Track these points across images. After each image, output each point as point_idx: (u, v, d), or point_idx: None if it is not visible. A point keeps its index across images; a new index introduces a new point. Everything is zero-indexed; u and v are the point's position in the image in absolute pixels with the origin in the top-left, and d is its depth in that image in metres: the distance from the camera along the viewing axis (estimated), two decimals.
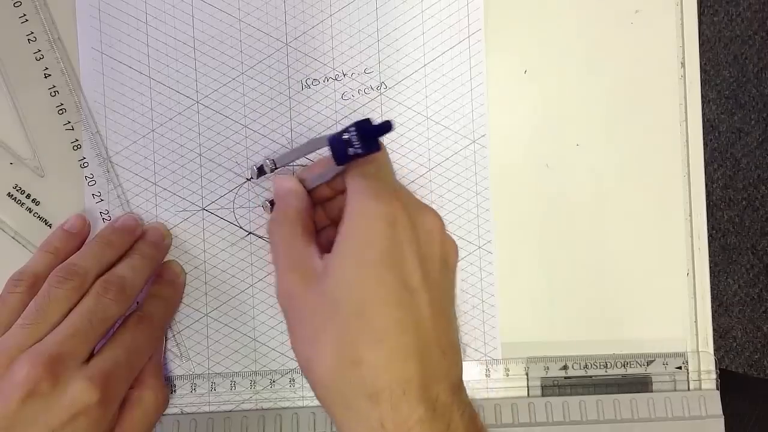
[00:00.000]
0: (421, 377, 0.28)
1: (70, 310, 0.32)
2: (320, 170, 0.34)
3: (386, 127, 0.29)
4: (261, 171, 0.37)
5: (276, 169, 0.37)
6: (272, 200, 0.36)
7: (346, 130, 0.30)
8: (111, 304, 0.33)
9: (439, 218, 0.31)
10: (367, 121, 0.30)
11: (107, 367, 0.31)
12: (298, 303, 0.30)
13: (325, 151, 0.32)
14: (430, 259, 0.30)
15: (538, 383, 0.38)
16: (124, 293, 0.33)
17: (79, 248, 0.36)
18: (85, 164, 0.38)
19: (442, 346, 0.29)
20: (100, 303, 0.32)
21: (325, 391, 0.29)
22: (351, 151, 0.30)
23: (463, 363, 0.38)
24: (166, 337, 0.38)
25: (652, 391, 0.38)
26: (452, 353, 0.30)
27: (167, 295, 0.37)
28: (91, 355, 0.32)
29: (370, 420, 0.28)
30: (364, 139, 0.30)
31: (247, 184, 0.38)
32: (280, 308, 0.31)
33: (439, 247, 0.31)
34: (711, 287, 0.39)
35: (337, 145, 0.30)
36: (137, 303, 0.36)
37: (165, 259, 0.38)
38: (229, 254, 0.38)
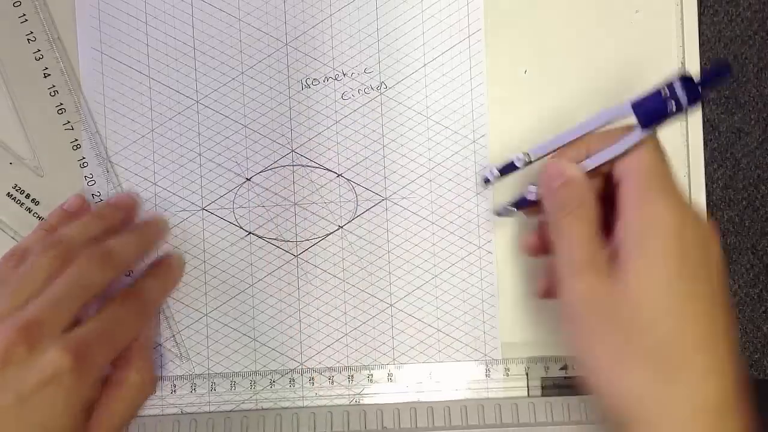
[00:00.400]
0: (734, 390, 0.27)
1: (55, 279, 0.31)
2: (599, 152, 0.31)
3: (721, 71, 0.29)
4: (509, 168, 0.35)
5: (530, 163, 0.34)
6: (523, 200, 0.34)
7: (656, 92, 0.30)
8: (94, 272, 0.31)
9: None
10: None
11: (85, 336, 0.30)
12: (599, 309, 0.28)
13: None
14: (718, 266, 0.30)
15: (538, 383, 0.38)
16: (110, 262, 0.32)
17: None
18: (85, 164, 0.38)
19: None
20: (82, 270, 0.31)
21: (634, 406, 0.27)
22: (671, 107, 0.29)
23: (463, 363, 0.38)
24: (165, 336, 0.38)
25: None
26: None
27: (162, 275, 0.36)
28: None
29: None
30: (690, 90, 0.29)
31: (246, 183, 0.38)
32: (568, 312, 0.29)
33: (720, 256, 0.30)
34: None
35: (651, 104, 0.29)
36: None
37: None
38: (229, 254, 0.38)
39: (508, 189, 0.38)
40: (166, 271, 0.36)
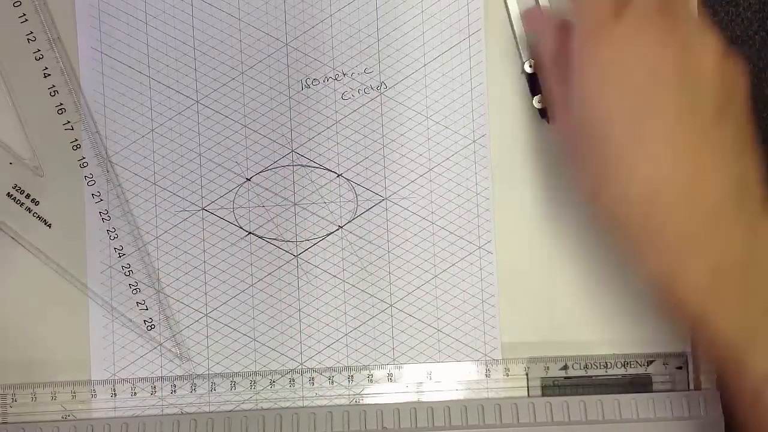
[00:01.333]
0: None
1: None
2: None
3: None
4: (532, 78, 0.38)
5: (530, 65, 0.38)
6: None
7: None
8: None
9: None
10: None
11: None
12: (573, 141, 0.32)
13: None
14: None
15: (538, 383, 0.38)
16: None
17: None
18: (85, 164, 0.38)
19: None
20: None
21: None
22: None
23: (463, 363, 0.38)
24: (165, 336, 0.38)
25: (652, 391, 0.38)
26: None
27: None
28: None
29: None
30: None
31: (246, 183, 0.38)
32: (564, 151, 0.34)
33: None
34: None
35: None
36: None
37: (163, 259, 0.38)
38: (228, 254, 0.38)
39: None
40: None
